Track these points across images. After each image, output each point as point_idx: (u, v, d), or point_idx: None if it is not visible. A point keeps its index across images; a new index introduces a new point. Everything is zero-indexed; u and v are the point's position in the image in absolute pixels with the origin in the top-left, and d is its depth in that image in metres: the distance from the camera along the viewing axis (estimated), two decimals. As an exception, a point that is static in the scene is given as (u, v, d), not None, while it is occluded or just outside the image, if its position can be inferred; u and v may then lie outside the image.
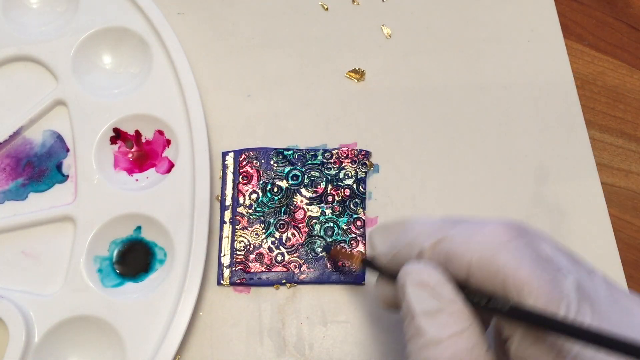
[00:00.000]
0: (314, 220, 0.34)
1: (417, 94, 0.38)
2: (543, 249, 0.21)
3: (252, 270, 0.33)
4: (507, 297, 0.20)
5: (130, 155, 0.36)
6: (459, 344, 0.20)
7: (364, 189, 0.35)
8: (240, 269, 0.33)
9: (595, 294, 0.20)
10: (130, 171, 0.35)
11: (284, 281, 0.33)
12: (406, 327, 0.22)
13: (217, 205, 0.35)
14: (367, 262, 0.27)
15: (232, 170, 0.35)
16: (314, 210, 0.34)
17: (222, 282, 0.33)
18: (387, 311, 0.26)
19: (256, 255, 0.33)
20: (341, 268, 0.33)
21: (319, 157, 0.35)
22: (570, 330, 0.18)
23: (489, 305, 0.20)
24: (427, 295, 0.21)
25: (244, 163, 0.35)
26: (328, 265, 0.33)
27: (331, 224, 0.34)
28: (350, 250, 0.33)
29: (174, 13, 0.40)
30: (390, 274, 0.24)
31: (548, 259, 0.20)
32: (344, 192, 0.35)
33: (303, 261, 0.33)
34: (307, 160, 0.35)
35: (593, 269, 0.21)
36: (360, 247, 0.34)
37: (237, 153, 0.35)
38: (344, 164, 0.35)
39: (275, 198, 0.34)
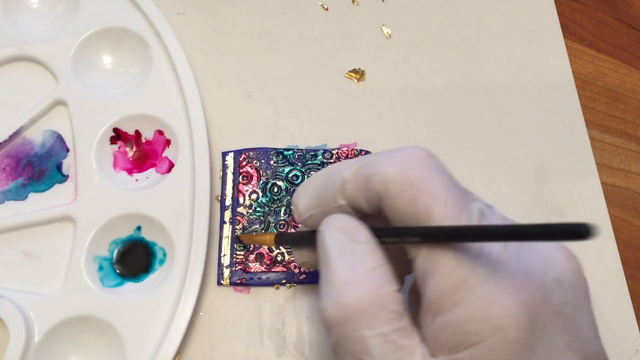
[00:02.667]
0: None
1: (417, 94, 0.38)
2: (451, 174, 0.22)
3: (252, 270, 0.33)
4: (417, 213, 0.21)
5: (130, 155, 0.36)
6: (369, 282, 0.21)
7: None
8: (240, 269, 0.33)
9: (494, 219, 0.21)
10: (130, 171, 0.35)
11: (284, 281, 0.33)
12: (321, 270, 0.22)
13: (217, 205, 0.35)
14: (281, 237, 0.28)
15: (232, 170, 0.35)
16: None
17: (222, 282, 0.33)
18: (305, 268, 0.27)
19: (256, 255, 0.33)
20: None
21: (319, 157, 0.35)
22: (468, 233, 0.19)
23: (405, 240, 0.21)
24: (343, 238, 0.22)
25: (244, 163, 0.35)
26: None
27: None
28: (260, 233, 0.33)
29: (174, 13, 0.40)
30: (307, 237, 0.25)
31: (456, 181, 0.21)
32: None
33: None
34: (307, 160, 0.35)
35: (491, 205, 0.22)
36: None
37: (237, 153, 0.35)
38: (344, 164, 0.35)
39: (275, 198, 0.34)
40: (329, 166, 0.25)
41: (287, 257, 0.33)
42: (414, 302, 0.23)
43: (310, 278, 0.33)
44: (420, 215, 0.20)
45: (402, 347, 0.20)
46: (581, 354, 0.19)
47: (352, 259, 0.22)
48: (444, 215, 0.20)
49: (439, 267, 0.20)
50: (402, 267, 0.24)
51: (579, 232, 0.15)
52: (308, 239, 0.25)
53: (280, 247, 0.33)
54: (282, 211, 0.34)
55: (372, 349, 0.20)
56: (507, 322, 0.18)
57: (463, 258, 0.20)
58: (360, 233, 0.22)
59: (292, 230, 0.34)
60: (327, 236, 0.23)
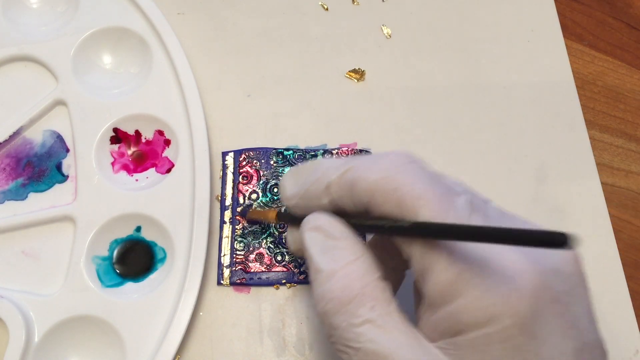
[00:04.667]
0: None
1: (417, 94, 0.38)
2: (435, 173, 0.23)
3: (252, 270, 0.33)
4: (405, 216, 0.21)
5: (130, 155, 0.36)
6: (350, 273, 0.22)
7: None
8: (240, 269, 0.33)
9: (487, 212, 0.22)
10: (130, 171, 0.35)
11: (284, 281, 0.33)
12: (308, 271, 0.23)
13: (217, 205, 0.35)
14: (281, 215, 0.29)
15: (232, 170, 0.35)
16: None
17: (222, 282, 0.33)
18: (298, 256, 0.28)
19: (256, 255, 0.33)
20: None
21: (319, 157, 0.35)
22: (458, 233, 0.19)
23: (393, 226, 0.21)
24: (322, 236, 0.23)
25: (244, 163, 0.35)
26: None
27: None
28: (264, 209, 0.34)
29: (174, 13, 0.40)
30: (299, 220, 0.25)
31: (441, 181, 0.22)
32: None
33: (303, 261, 0.33)
34: (307, 161, 0.35)
35: (488, 199, 0.23)
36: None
37: (237, 153, 0.35)
38: (344, 164, 0.35)
39: (275, 198, 0.34)
40: (318, 160, 0.25)
41: (287, 257, 0.33)
42: (417, 295, 0.24)
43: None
44: (407, 218, 0.21)
45: (391, 331, 0.21)
46: (578, 341, 0.20)
47: (331, 255, 0.23)
48: (430, 215, 0.20)
49: (434, 265, 0.20)
50: (402, 263, 0.25)
51: (558, 241, 0.16)
52: (300, 222, 0.25)
53: (280, 247, 0.33)
54: (282, 211, 0.34)
55: (361, 335, 0.21)
56: (503, 310, 0.19)
57: (456, 253, 0.20)
58: (337, 229, 0.23)
59: (292, 230, 0.34)
60: (306, 237, 0.24)
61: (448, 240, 0.20)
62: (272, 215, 0.30)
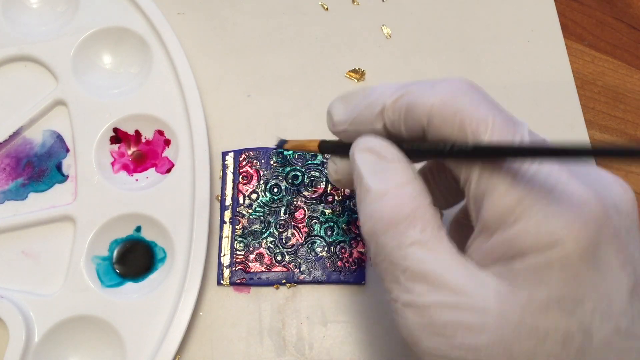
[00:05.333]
0: (314, 220, 0.34)
1: (417, 94, 0.38)
2: (496, 102, 0.22)
3: (252, 270, 0.33)
4: (467, 139, 0.21)
5: (130, 155, 0.36)
6: (402, 194, 0.21)
7: None
8: (240, 269, 0.33)
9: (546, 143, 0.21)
10: (130, 171, 0.35)
11: (284, 281, 0.33)
12: (357, 191, 0.23)
13: (217, 205, 0.35)
14: (324, 144, 0.28)
15: (232, 170, 0.35)
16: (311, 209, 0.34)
17: (222, 282, 0.33)
18: (339, 187, 0.27)
19: (256, 255, 0.33)
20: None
21: (319, 157, 0.35)
22: (526, 151, 0.19)
23: (454, 148, 0.21)
24: (374, 158, 0.23)
25: (244, 163, 0.35)
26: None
27: (331, 224, 0.34)
28: (303, 140, 0.32)
29: (174, 13, 0.40)
30: (347, 148, 0.25)
31: (502, 109, 0.22)
32: (343, 192, 0.35)
33: (303, 261, 0.33)
34: (307, 160, 0.35)
35: (545, 139, 0.22)
36: (361, 248, 0.34)
37: (237, 153, 0.35)
38: (344, 164, 0.35)
39: (275, 198, 0.34)
40: (370, 86, 0.25)
41: (287, 257, 0.33)
42: (457, 233, 0.24)
43: (310, 278, 0.33)
44: (470, 141, 0.21)
45: (441, 254, 0.20)
46: (633, 278, 0.19)
47: (383, 176, 0.22)
48: (495, 138, 0.20)
49: (495, 188, 0.20)
50: (445, 200, 0.25)
51: (633, 151, 0.16)
52: (348, 150, 0.25)
53: (280, 247, 0.33)
54: (282, 211, 0.34)
55: (409, 255, 0.20)
56: (565, 236, 0.18)
57: (520, 178, 0.20)
58: (390, 152, 0.23)
59: (293, 230, 0.34)
60: (357, 157, 0.23)
61: (514, 159, 0.20)
62: (313, 145, 0.29)
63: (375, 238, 0.21)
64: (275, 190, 0.35)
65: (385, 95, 0.23)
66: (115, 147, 0.35)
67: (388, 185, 0.22)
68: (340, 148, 0.26)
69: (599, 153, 0.17)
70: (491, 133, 0.20)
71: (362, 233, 0.22)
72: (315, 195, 0.35)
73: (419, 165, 0.27)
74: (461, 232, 0.25)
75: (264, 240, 0.34)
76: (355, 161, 0.23)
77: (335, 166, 0.27)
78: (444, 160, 0.24)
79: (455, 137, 0.21)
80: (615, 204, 0.20)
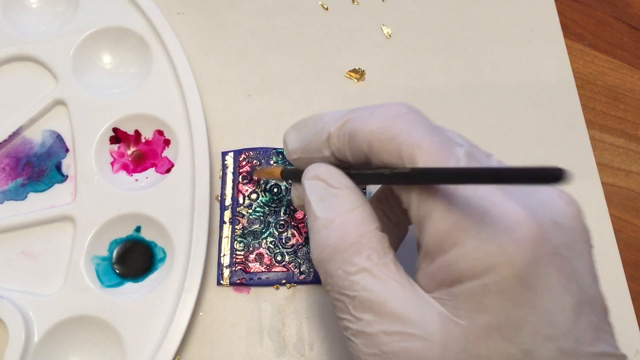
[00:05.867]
0: None
1: (417, 94, 0.38)
2: (435, 124, 0.22)
3: (252, 270, 0.33)
4: (404, 164, 0.21)
5: (129, 155, 0.35)
6: (347, 222, 0.22)
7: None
8: (240, 269, 0.33)
9: (489, 163, 0.21)
10: (130, 171, 0.35)
11: (284, 281, 0.33)
12: (307, 218, 0.24)
13: (217, 205, 0.35)
14: (285, 171, 0.29)
15: (232, 170, 0.35)
16: None
17: (222, 282, 0.33)
18: (302, 210, 0.28)
19: (256, 255, 0.33)
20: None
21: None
22: (457, 175, 0.19)
23: (392, 173, 0.21)
24: (322, 185, 0.23)
25: (244, 163, 0.35)
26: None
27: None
28: (269, 167, 0.34)
29: (174, 13, 0.40)
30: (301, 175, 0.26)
31: (440, 131, 0.22)
32: (344, 192, 0.35)
33: (303, 261, 0.33)
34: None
35: (491, 153, 0.22)
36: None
37: (237, 153, 0.35)
38: (344, 164, 0.35)
39: (275, 198, 0.34)
40: (318, 113, 0.25)
41: (287, 258, 0.33)
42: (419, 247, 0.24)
43: (310, 278, 0.33)
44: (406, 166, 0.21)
45: (386, 280, 0.21)
46: (578, 296, 0.19)
47: (330, 203, 0.23)
48: (428, 162, 0.20)
49: (432, 212, 0.20)
50: (405, 217, 0.25)
51: (554, 175, 0.16)
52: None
53: (280, 247, 0.33)
54: (282, 211, 0.34)
55: (356, 284, 0.21)
56: (500, 260, 0.18)
57: (455, 202, 0.20)
58: (336, 179, 0.23)
59: (293, 230, 0.34)
60: (306, 185, 0.24)
61: (444, 183, 0.20)
62: (277, 172, 0.30)
63: (323, 266, 0.22)
64: (275, 190, 0.35)
65: (331, 123, 0.24)
66: (115, 147, 0.35)
67: (334, 212, 0.22)
68: (298, 175, 0.26)
69: (520, 178, 0.17)
70: (426, 157, 0.20)
71: (312, 261, 0.23)
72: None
73: (376, 189, 0.28)
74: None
75: (264, 241, 0.34)
76: (305, 189, 0.24)
77: (297, 192, 0.27)
78: (389, 185, 0.24)
79: (394, 163, 0.21)
80: (554, 220, 0.20)
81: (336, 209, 0.22)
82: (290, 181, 0.33)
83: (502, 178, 0.17)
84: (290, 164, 0.34)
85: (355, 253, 0.21)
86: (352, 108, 0.24)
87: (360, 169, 0.23)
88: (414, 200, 0.21)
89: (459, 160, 0.20)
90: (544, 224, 0.19)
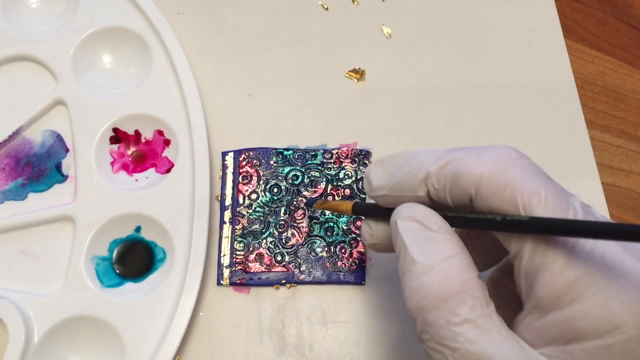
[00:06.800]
0: (314, 220, 0.34)
1: (417, 94, 0.38)
2: (544, 171, 0.22)
3: (252, 270, 0.33)
4: (519, 212, 0.20)
5: (129, 155, 0.35)
6: (449, 269, 0.21)
7: (364, 188, 0.35)
8: (240, 269, 0.33)
9: (596, 215, 0.21)
10: (130, 171, 0.35)
11: (284, 281, 0.33)
12: (400, 261, 0.22)
13: (217, 205, 0.35)
14: (359, 207, 0.27)
15: (232, 170, 0.35)
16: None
17: (222, 282, 0.33)
18: (373, 250, 0.27)
19: (256, 255, 0.33)
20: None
21: (319, 157, 0.35)
22: (586, 229, 0.18)
23: (505, 220, 0.20)
24: (418, 227, 0.22)
25: (244, 163, 0.35)
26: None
27: (331, 224, 0.34)
28: (336, 201, 0.31)
29: (174, 13, 0.40)
30: (384, 212, 0.24)
31: (552, 179, 0.21)
32: (343, 192, 0.35)
33: (303, 261, 0.33)
34: (307, 160, 0.35)
35: (590, 204, 0.22)
36: (360, 248, 0.33)
37: (237, 153, 0.35)
38: (344, 164, 0.35)
39: (275, 198, 0.34)
40: (410, 151, 0.24)
41: (286, 258, 0.33)
42: (495, 293, 0.23)
43: (310, 278, 0.33)
44: (523, 214, 0.20)
45: (492, 333, 0.20)
46: None
47: (428, 247, 0.21)
48: (548, 212, 0.20)
49: (550, 265, 0.19)
50: (482, 262, 0.24)
51: None
52: (385, 213, 0.24)
53: (280, 247, 0.33)
54: (282, 211, 0.34)
55: (460, 335, 0.20)
56: (626, 319, 0.18)
57: (576, 255, 0.19)
58: (434, 221, 0.22)
59: (292, 230, 0.34)
60: (400, 226, 0.22)
61: (567, 236, 0.19)
62: (347, 207, 0.28)
63: (423, 314, 0.21)
64: (275, 190, 0.35)
65: (429, 162, 0.22)
66: (115, 147, 0.35)
67: (434, 258, 0.21)
68: (377, 212, 0.25)
69: None
70: (544, 206, 0.20)
71: (407, 307, 0.21)
72: (315, 195, 0.34)
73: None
74: (499, 292, 0.24)
75: (264, 241, 0.34)
76: (398, 230, 0.22)
77: (370, 230, 0.26)
78: (493, 231, 0.23)
79: (506, 209, 0.20)
80: None
81: (436, 254, 0.21)
82: (362, 217, 0.30)
83: (636, 236, 0.17)
84: (357, 197, 0.33)
85: (458, 303, 0.20)
86: (451, 148, 0.23)
87: (461, 212, 0.22)
88: (527, 251, 0.20)
89: (577, 211, 0.20)
90: None
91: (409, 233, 0.22)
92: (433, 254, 0.21)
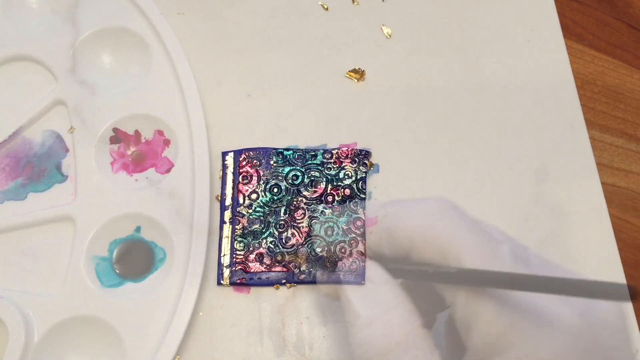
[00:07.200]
0: (314, 220, 0.34)
1: (417, 94, 0.38)
2: (475, 220, 0.22)
3: (252, 270, 0.33)
4: (448, 263, 0.21)
5: (129, 155, 0.35)
6: (391, 320, 0.21)
7: (364, 188, 0.35)
8: (240, 269, 0.33)
9: (529, 259, 0.21)
10: (129, 171, 0.35)
11: (284, 281, 0.33)
12: (345, 314, 0.23)
13: (217, 205, 0.35)
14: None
15: (232, 170, 0.35)
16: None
17: (222, 282, 0.33)
18: (330, 302, 0.27)
19: (256, 255, 0.33)
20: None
21: (319, 157, 0.35)
22: (510, 281, 0.19)
23: (437, 272, 0.21)
24: None
25: (244, 163, 0.35)
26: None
27: (331, 224, 0.34)
28: (295, 254, 0.33)
29: (174, 13, 0.40)
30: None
31: (482, 228, 0.21)
32: (343, 192, 0.35)
33: (303, 261, 0.33)
34: (307, 160, 0.35)
35: (527, 246, 0.22)
36: (360, 247, 0.33)
37: (237, 153, 0.35)
38: (344, 164, 0.35)
39: (275, 198, 0.34)
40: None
41: (287, 257, 0.33)
42: (450, 335, 0.23)
43: (311, 278, 0.33)
44: (451, 265, 0.20)
45: None
46: None
47: (371, 300, 0.22)
48: (475, 262, 0.20)
49: (482, 314, 0.20)
50: (434, 307, 0.25)
51: (619, 293, 0.15)
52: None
53: (280, 247, 0.33)
54: (282, 211, 0.34)
55: None
56: None
57: (505, 304, 0.19)
58: (376, 274, 0.23)
59: (292, 230, 0.34)
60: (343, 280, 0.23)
61: (499, 288, 0.19)
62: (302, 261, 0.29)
63: None
64: (275, 190, 0.35)
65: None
66: (115, 147, 0.35)
67: (377, 310, 0.22)
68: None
69: (584, 292, 0.17)
70: (472, 257, 0.20)
71: (354, 358, 0.22)
72: (315, 195, 0.34)
73: None
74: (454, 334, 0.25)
75: (264, 240, 0.34)
76: (342, 284, 0.23)
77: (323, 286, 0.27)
78: (428, 282, 0.23)
79: (437, 261, 0.21)
80: (602, 319, 0.20)
81: (379, 306, 0.22)
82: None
83: (564, 290, 0.17)
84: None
85: (401, 353, 0.20)
86: (389, 200, 0.24)
87: (400, 264, 0.23)
88: (460, 300, 0.21)
89: (505, 259, 0.20)
90: (594, 326, 0.19)
91: (351, 286, 0.23)
92: (375, 306, 0.22)
